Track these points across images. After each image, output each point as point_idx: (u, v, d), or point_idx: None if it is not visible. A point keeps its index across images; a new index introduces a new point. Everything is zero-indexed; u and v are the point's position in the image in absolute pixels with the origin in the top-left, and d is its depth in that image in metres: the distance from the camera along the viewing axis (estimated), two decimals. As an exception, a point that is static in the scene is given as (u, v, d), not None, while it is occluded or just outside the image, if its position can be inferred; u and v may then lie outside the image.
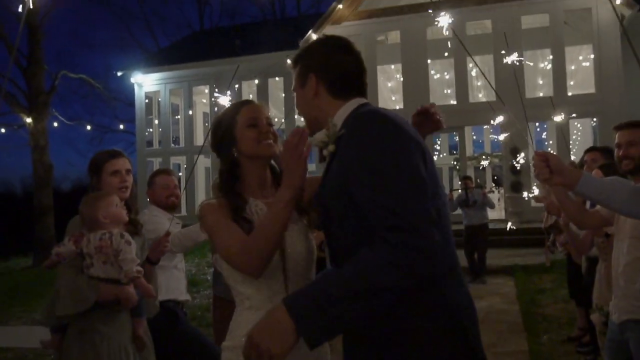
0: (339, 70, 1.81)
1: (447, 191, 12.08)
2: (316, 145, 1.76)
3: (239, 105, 2.11)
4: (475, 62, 3.48)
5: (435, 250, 1.45)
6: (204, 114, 20.93)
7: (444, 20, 2.59)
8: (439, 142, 26.59)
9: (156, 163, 19.81)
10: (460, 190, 10.62)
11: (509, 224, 10.96)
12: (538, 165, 2.38)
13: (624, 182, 2.58)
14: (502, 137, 12.62)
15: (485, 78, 3.43)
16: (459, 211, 10.40)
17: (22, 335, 5.01)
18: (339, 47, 1.86)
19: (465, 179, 10.54)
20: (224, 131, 2.06)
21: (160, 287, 3.45)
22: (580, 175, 2.41)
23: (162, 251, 3.24)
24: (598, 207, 3.22)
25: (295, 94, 1.91)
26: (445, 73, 19.59)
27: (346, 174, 1.60)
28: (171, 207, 4.07)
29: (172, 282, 3.89)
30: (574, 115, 15.25)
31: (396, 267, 1.43)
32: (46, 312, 2.95)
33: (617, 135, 3.17)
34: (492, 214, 18.54)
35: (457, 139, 26.16)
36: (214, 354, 3.50)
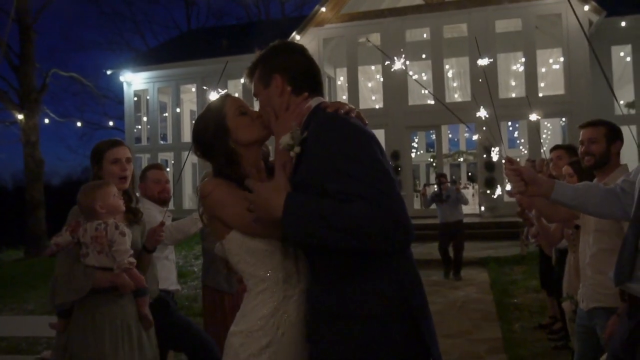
0: (300, 70, 1.92)
1: (421, 187, 12.56)
2: (283, 149, 1.79)
3: (222, 98, 2.11)
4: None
5: (408, 224, 1.60)
6: (191, 111, 21.44)
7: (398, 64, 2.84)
8: (416, 140, 27.34)
9: (144, 159, 20.15)
10: (435, 187, 10.78)
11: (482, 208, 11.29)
12: (513, 179, 2.47)
13: (595, 186, 2.65)
14: (475, 137, 12.68)
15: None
16: (434, 206, 10.60)
17: (16, 324, 4.97)
18: (296, 50, 1.97)
19: (440, 176, 10.66)
20: (216, 125, 2.02)
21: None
22: (553, 184, 2.51)
23: (157, 240, 3.16)
24: None
25: (258, 98, 1.98)
26: (423, 74, 20.18)
27: (318, 173, 1.68)
28: (163, 202, 4.14)
29: (164, 273, 3.85)
30: (540, 114, 16.02)
31: (381, 225, 1.57)
32: (49, 299, 2.95)
33: (580, 133, 3.33)
34: (466, 209, 19.38)
35: (433, 137, 27.04)
36: (204, 342, 3.68)
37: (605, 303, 3.09)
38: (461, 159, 27.59)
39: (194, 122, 2.18)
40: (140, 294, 3.00)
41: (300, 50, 1.97)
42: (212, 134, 2.01)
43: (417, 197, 19.30)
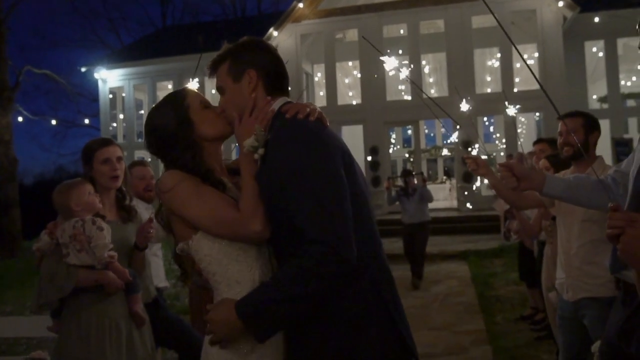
0: (272, 68, 1.91)
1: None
2: (247, 151, 1.79)
3: (182, 90, 2.02)
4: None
5: (350, 259, 1.62)
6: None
7: (391, 62, 2.92)
8: (393, 136, 27.49)
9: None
10: (400, 182, 9.92)
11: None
12: (505, 175, 2.52)
13: (585, 177, 2.67)
14: (455, 133, 12.36)
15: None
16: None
17: None
18: (268, 48, 1.96)
19: (406, 173, 9.85)
20: (179, 116, 1.92)
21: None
22: (544, 178, 2.55)
23: (147, 237, 3.08)
24: None
25: (223, 91, 1.93)
26: (400, 70, 20.27)
27: (275, 178, 1.70)
28: (148, 200, 4.13)
29: (152, 270, 3.84)
30: (518, 108, 16.21)
31: (318, 277, 1.61)
32: (34, 299, 2.93)
33: (559, 125, 3.37)
34: (444, 204, 19.64)
35: (410, 132, 27.20)
36: (194, 339, 3.58)
37: (595, 293, 3.09)
38: (439, 154, 27.87)
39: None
40: (131, 292, 2.96)
41: (272, 49, 1.96)
42: (176, 126, 1.90)
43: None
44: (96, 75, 20.44)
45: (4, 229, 16.87)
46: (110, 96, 20.47)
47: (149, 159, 20.16)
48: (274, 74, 1.90)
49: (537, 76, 16.80)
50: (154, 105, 2.01)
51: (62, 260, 2.85)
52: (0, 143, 17.01)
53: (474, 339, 6.05)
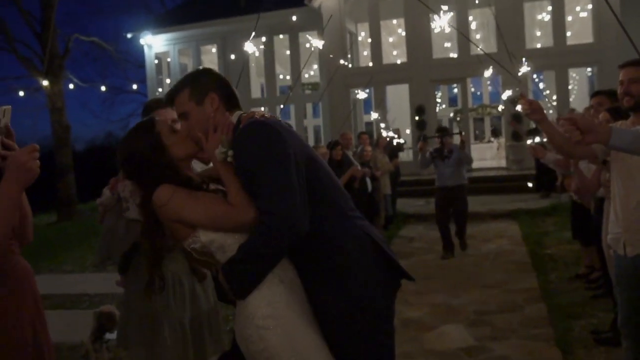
0: (229, 90, 2.25)
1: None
2: (221, 160, 2.10)
3: (150, 120, 2.29)
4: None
5: (297, 224, 2.00)
6: (212, 72, 21.34)
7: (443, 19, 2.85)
8: (439, 95, 27.04)
9: (168, 122, 20.21)
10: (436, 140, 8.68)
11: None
12: (568, 128, 2.48)
13: None
14: (508, 90, 11.47)
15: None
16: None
17: (58, 283, 5.14)
18: (220, 75, 2.32)
19: (441, 130, 8.86)
20: (152, 142, 2.17)
21: None
22: (610, 130, 2.48)
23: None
24: None
25: (186, 116, 2.21)
26: (451, 26, 19.73)
27: (245, 171, 2.07)
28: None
29: None
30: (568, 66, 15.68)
31: (272, 240, 2.00)
32: (96, 255, 3.08)
33: (620, 73, 3.22)
34: (491, 163, 19.30)
35: (456, 91, 26.64)
36: None
37: None
38: (488, 112, 27.30)
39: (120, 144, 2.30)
40: None
41: (221, 75, 2.32)
42: (150, 151, 2.14)
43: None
44: (141, 41, 20.62)
45: (60, 194, 17.42)
46: (156, 61, 20.68)
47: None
48: (230, 94, 2.24)
49: (591, 29, 16.21)
50: (124, 136, 2.27)
51: (122, 215, 2.90)
52: (53, 110, 17.43)
53: (527, 297, 6.01)
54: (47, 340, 2.32)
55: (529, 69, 3.65)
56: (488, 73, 7.54)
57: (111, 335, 3.16)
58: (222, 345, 3.00)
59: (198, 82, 2.21)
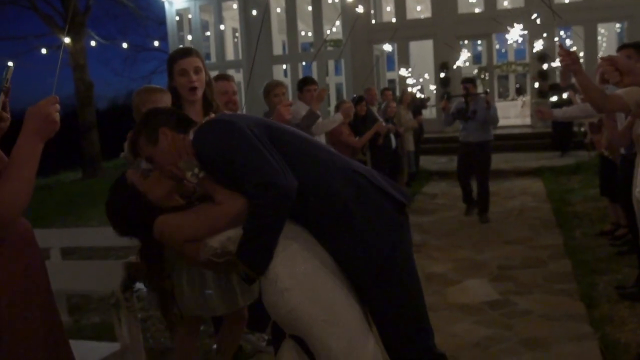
0: (174, 115, 2.34)
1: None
2: (190, 179, 2.19)
3: (121, 176, 2.38)
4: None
5: (283, 184, 2.03)
6: (233, 29, 21.12)
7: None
8: (463, 52, 26.54)
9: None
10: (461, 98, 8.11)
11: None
12: (607, 70, 2.43)
13: None
14: (538, 43, 10.89)
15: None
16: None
17: (85, 236, 5.19)
18: (165, 109, 2.47)
19: (466, 82, 8.09)
20: (132, 195, 2.26)
21: None
22: None
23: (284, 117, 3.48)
24: (619, 91, 3.39)
25: (152, 160, 2.30)
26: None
27: (220, 170, 2.14)
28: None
29: None
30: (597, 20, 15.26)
31: (266, 209, 2.05)
32: None
33: None
34: (515, 121, 19.04)
35: (480, 49, 26.10)
36: None
37: None
38: (513, 70, 26.85)
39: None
40: None
41: (164, 107, 2.48)
42: (133, 206, 2.23)
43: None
44: (162, -2, 20.41)
45: (85, 151, 17.64)
46: (177, 18, 20.43)
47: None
48: (178, 118, 2.32)
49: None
50: (108, 198, 2.31)
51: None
52: (76, 67, 17.50)
53: (552, 253, 6.00)
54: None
55: (556, 24, 3.56)
56: (515, 30, 7.38)
57: (141, 285, 3.24)
58: (252, 294, 3.02)
59: (147, 125, 2.29)
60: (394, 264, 2.20)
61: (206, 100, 3.13)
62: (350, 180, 2.23)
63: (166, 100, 3.05)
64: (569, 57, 3.14)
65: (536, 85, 15.83)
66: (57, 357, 2.06)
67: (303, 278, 2.08)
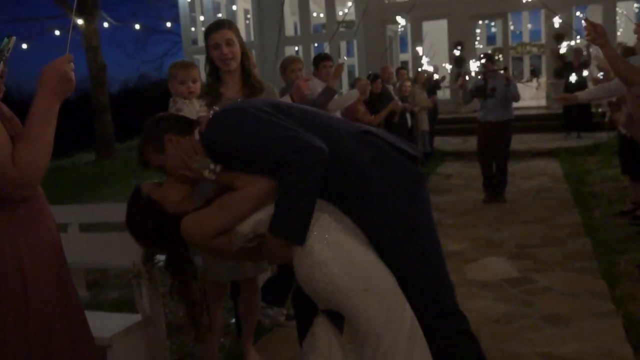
0: (176, 120, 2.31)
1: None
2: (208, 177, 2.16)
3: (136, 189, 2.33)
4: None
5: (317, 145, 2.01)
6: (245, 10, 20.98)
7: None
8: (477, 32, 26.26)
9: (202, 60, 20.10)
10: (478, 77, 7.99)
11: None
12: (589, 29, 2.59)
13: None
14: (556, 19, 10.60)
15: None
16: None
17: (102, 212, 5.25)
18: (166, 116, 2.41)
19: (485, 57, 7.73)
20: (149, 206, 2.23)
21: None
22: None
23: (302, 92, 3.53)
24: None
25: (163, 168, 2.27)
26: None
27: (241, 160, 2.11)
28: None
29: None
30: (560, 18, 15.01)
31: (301, 174, 1.98)
32: None
33: None
34: (531, 102, 18.84)
35: (494, 30, 25.79)
36: None
37: None
38: (527, 50, 26.51)
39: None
40: None
41: (163, 114, 2.42)
42: (152, 221, 2.20)
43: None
44: (174, -22, 20.30)
45: (99, 132, 17.67)
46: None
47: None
48: (181, 123, 2.30)
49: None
50: (126, 219, 2.27)
51: None
52: (89, 49, 17.47)
53: (570, 232, 5.94)
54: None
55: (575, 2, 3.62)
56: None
57: (162, 257, 3.24)
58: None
59: (151, 135, 2.26)
60: (416, 221, 2.21)
61: (244, 70, 3.22)
62: (367, 143, 2.22)
63: (192, 76, 3.24)
64: (595, 31, 3.13)
65: (556, 61, 15.63)
66: (72, 331, 2.04)
67: (338, 249, 2.05)
